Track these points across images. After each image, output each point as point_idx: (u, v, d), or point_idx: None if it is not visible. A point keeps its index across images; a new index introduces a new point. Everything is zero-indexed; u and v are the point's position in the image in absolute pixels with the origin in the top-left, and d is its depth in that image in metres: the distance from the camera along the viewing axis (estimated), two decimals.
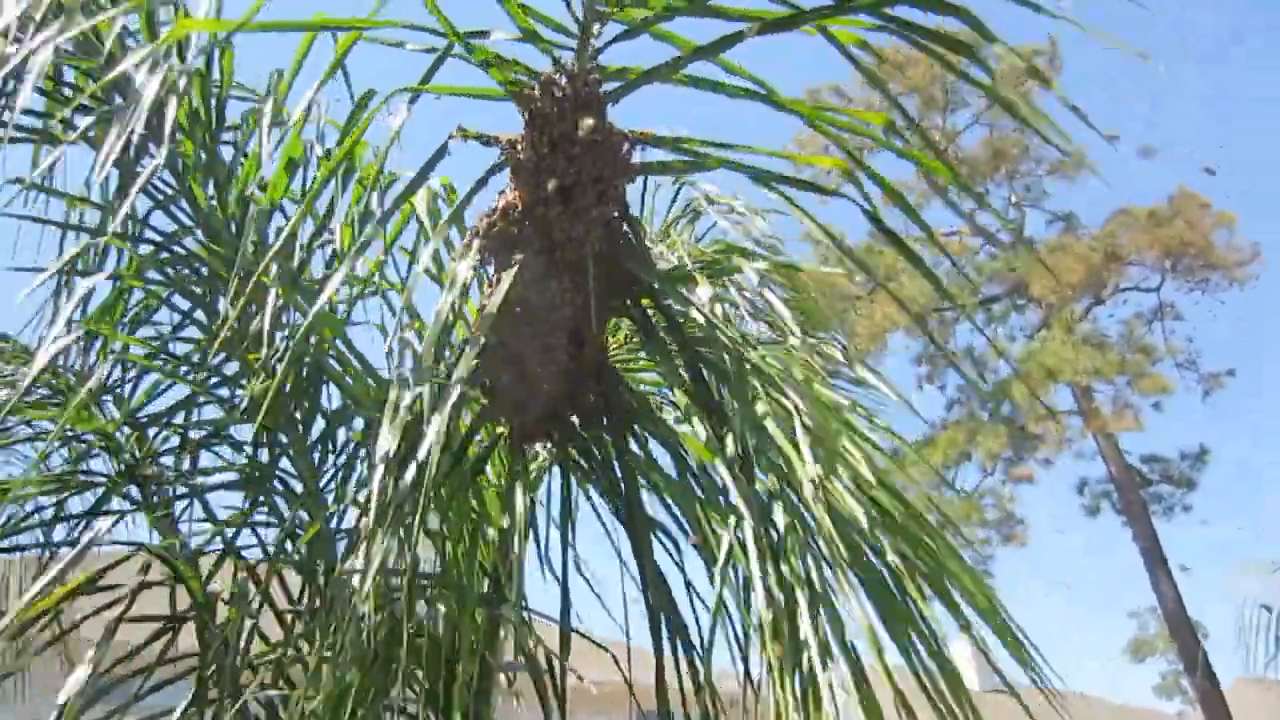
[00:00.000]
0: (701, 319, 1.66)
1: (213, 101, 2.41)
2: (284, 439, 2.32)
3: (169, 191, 2.37)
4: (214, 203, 2.38)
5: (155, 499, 2.13)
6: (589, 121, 1.64)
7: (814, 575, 1.63)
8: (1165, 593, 14.92)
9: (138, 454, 2.16)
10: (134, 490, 2.14)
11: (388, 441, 1.68)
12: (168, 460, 2.26)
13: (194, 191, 2.37)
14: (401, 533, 1.69)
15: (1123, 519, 16.05)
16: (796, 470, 1.61)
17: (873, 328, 15.64)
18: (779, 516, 1.67)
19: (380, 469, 1.69)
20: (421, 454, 1.63)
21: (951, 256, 1.94)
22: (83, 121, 2.32)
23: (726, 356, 1.68)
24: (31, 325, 2.31)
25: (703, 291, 1.67)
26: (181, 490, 2.20)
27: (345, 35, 1.82)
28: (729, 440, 1.62)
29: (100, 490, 2.13)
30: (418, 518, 1.66)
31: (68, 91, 2.35)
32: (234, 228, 2.37)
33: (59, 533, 2.14)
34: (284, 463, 2.31)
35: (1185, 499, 16.46)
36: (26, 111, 2.19)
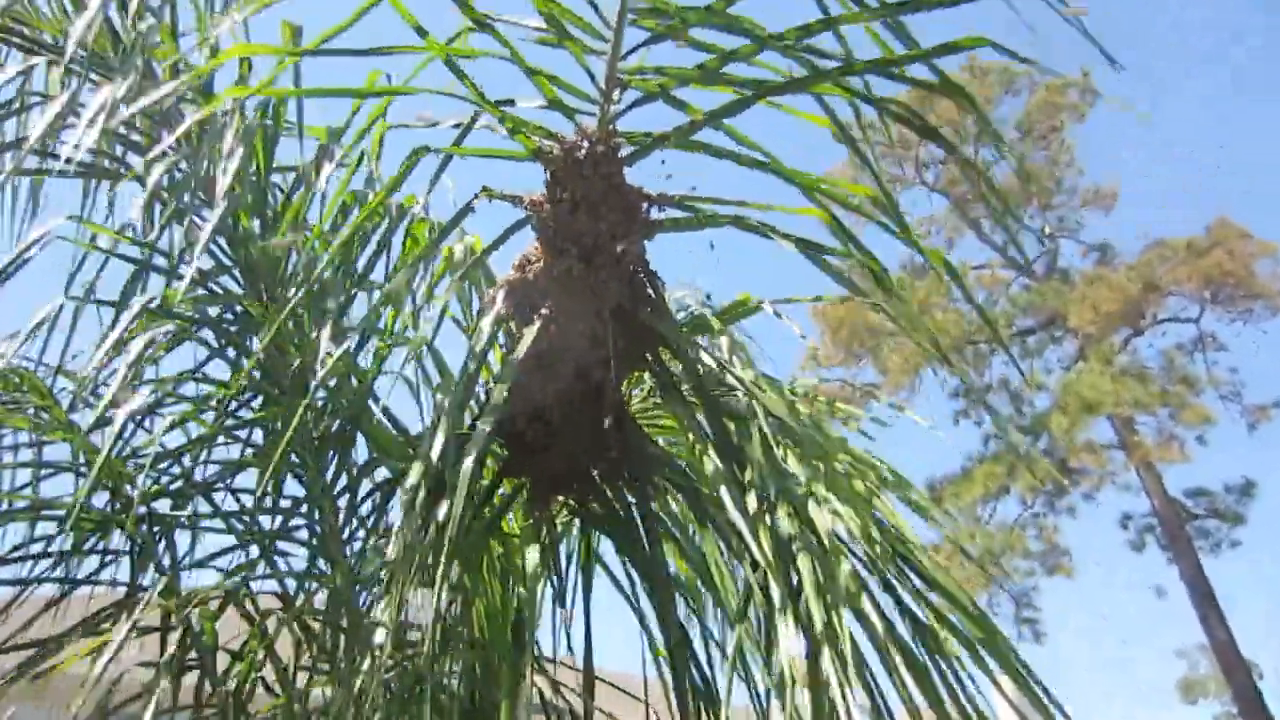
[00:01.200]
0: (716, 366, 1.68)
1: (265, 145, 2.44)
2: (304, 483, 2.35)
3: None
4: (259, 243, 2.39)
5: (164, 540, 2.15)
6: (610, 191, 1.70)
7: (835, 621, 1.64)
8: (1215, 630, 14.53)
9: (137, 492, 2.18)
10: (136, 530, 2.16)
11: (414, 490, 1.71)
12: (178, 502, 2.28)
13: (242, 230, 2.39)
14: (423, 584, 1.71)
15: (1168, 554, 15.70)
16: (815, 518, 1.61)
17: (905, 364, 15.55)
18: (803, 564, 1.68)
19: (403, 518, 1.72)
20: (445, 507, 1.67)
21: (967, 293, 1.94)
22: (130, 158, 2.39)
23: (744, 404, 1.70)
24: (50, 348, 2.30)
25: (723, 341, 1.70)
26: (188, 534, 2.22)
27: (379, 100, 1.91)
28: (747, 486, 1.63)
29: (104, 527, 2.14)
30: (440, 571, 1.68)
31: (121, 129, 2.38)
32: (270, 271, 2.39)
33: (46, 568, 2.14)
34: (297, 511, 2.34)
35: (1233, 534, 16.07)
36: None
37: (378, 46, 1.73)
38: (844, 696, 1.37)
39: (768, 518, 1.51)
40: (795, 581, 1.62)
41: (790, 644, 1.48)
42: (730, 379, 1.63)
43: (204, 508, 2.32)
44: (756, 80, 1.52)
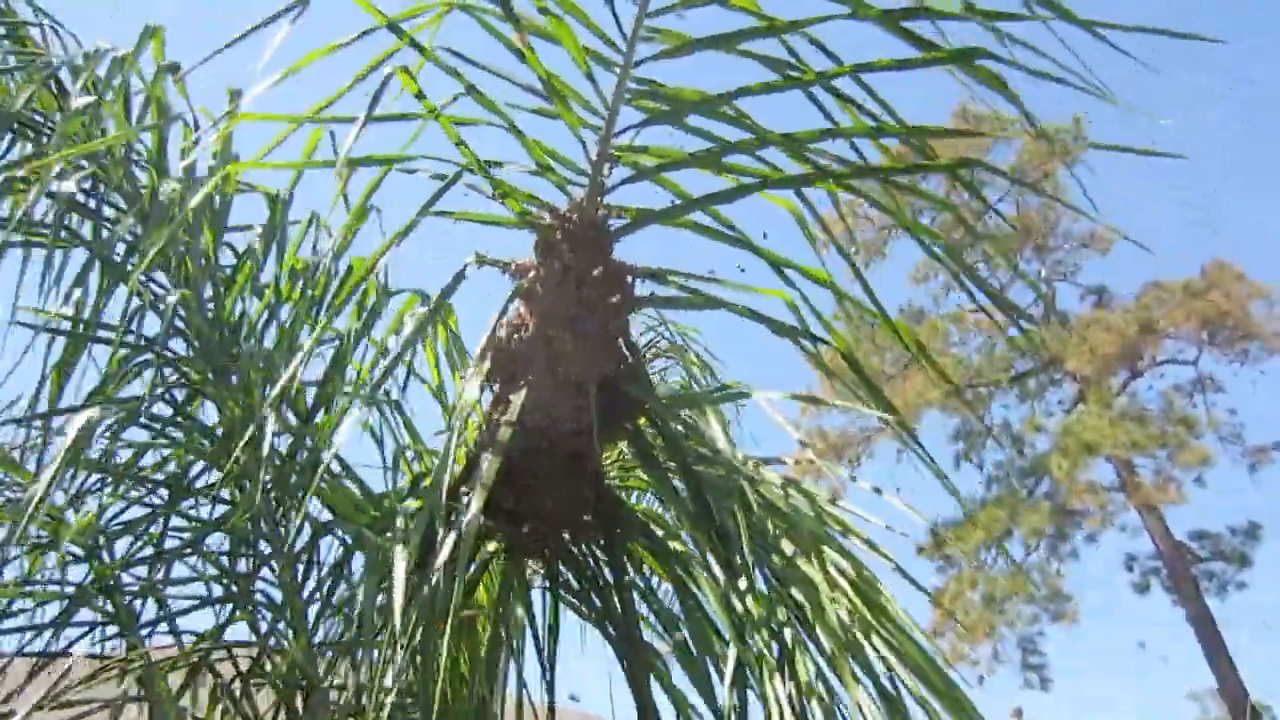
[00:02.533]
0: (698, 441, 1.71)
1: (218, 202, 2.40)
2: (265, 550, 2.32)
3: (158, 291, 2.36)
4: (209, 307, 2.35)
5: (122, 611, 2.14)
6: (599, 264, 1.74)
7: (820, 687, 1.65)
8: (1224, 673, 14.37)
9: (106, 562, 2.18)
10: (102, 601, 2.15)
11: (401, 564, 1.72)
12: (140, 570, 2.28)
13: (189, 296, 2.33)
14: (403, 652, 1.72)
15: (1173, 597, 15.58)
16: (793, 589, 1.63)
17: (905, 406, 15.55)
18: (787, 632, 1.70)
19: (388, 589, 1.73)
20: (431, 579, 1.68)
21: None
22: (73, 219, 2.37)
23: (728, 479, 1.73)
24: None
25: (714, 420, 1.73)
26: (153, 601, 2.22)
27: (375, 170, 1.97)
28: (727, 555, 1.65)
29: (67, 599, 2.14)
30: (404, 635, 1.68)
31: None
32: (222, 334, 2.34)
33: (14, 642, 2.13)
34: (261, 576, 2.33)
35: (1239, 576, 15.95)
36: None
37: (374, 114, 1.78)
38: None
39: (742, 583, 1.53)
40: (777, 651, 1.63)
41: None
42: (712, 454, 1.65)
43: (176, 572, 2.32)
44: (746, 168, 1.57)
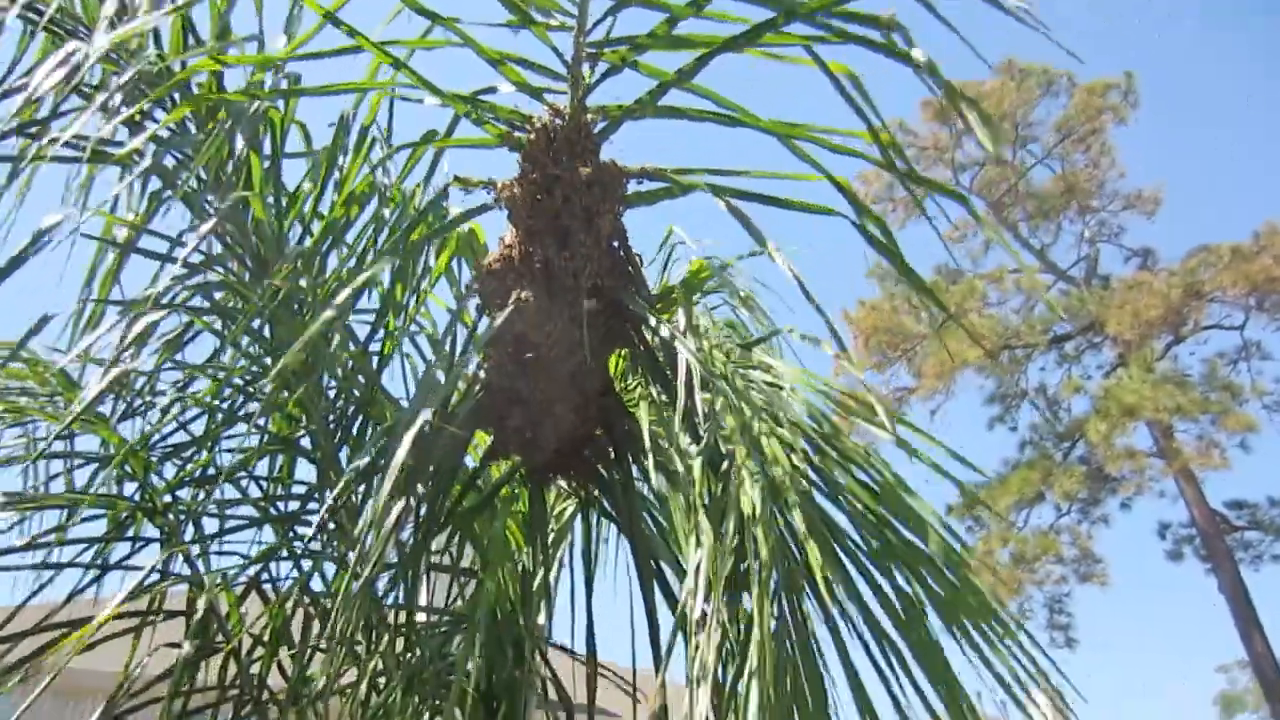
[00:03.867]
0: (675, 339, 1.67)
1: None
2: (318, 468, 2.36)
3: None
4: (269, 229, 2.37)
5: (178, 529, 2.18)
6: (586, 167, 1.70)
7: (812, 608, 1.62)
8: (1256, 646, 14.19)
9: (162, 482, 2.23)
10: (163, 519, 2.20)
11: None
12: (201, 490, 2.33)
13: (254, 214, 2.37)
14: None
15: (1207, 566, 15.37)
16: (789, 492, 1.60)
17: (940, 367, 15.36)
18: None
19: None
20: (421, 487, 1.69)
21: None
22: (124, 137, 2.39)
23: (720, 375, 1.70)
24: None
25: (680, 318, 1.69)
26: (207, 519, 2.26)
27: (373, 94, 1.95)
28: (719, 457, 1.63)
29: (122, 515, 2.19)
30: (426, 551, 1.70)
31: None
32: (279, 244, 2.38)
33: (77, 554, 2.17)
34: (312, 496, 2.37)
35: (1275, 547, 15.68)
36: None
37: (344, 45, 1.74)
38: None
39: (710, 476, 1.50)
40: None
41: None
42: (682, 349, 1.61)
43: (226, 493, 2.36)
44: (714, 37, 1.51)
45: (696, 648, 1.27)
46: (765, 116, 1.70)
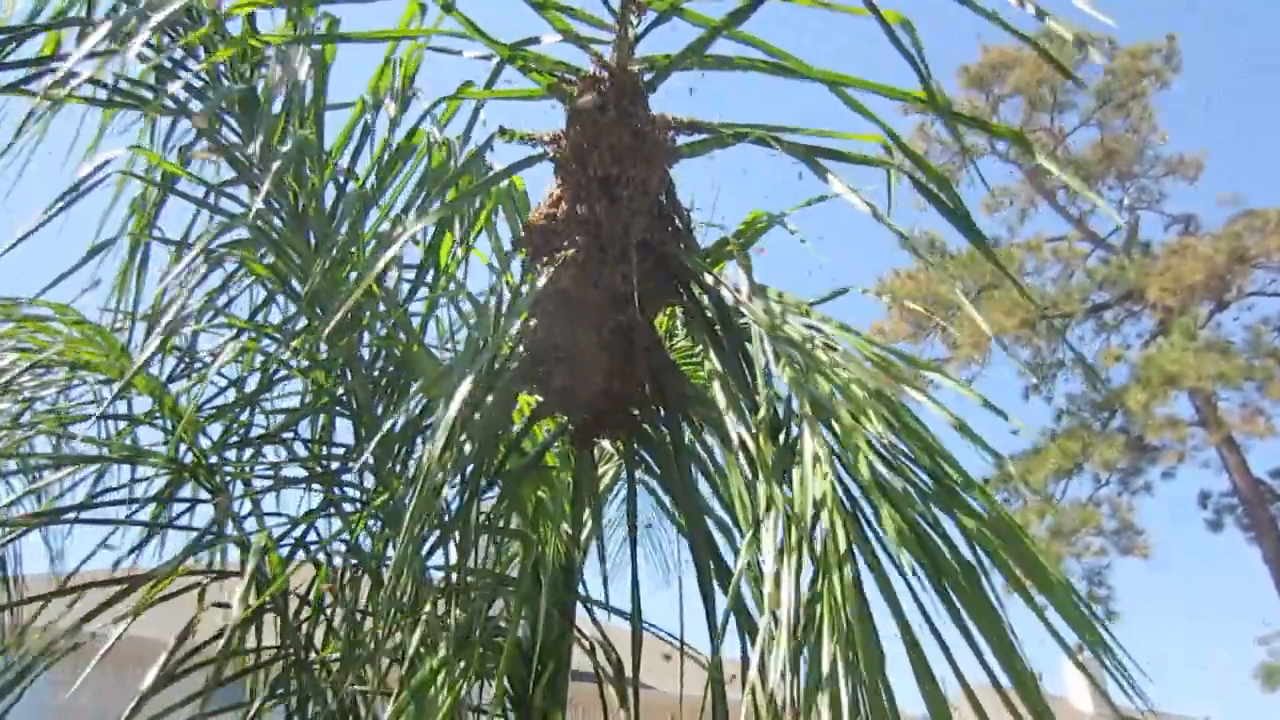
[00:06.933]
0: (731, 298, 1.64)
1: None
2: (362, 429, 2.36)
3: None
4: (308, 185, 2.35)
5: (222, 490, 2.18)
6: (635, 118, 1.66)
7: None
8: None
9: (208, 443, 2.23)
10: (210, 478, 2.20)
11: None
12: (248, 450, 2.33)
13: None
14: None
15: (1249, 535, 15.14)
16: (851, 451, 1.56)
17: (976, 336, 15.18)
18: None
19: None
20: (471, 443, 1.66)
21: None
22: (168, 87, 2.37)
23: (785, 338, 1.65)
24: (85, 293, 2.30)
25: (734, 274, 1.65)
26: (255, 482, 2.27)
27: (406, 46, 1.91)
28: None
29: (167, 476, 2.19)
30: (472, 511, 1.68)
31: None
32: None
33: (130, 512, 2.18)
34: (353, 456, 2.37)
35: None
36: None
37: None
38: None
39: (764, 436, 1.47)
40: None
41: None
42: (742, 307, 1.57)
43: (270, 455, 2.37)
44: None
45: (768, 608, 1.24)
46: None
